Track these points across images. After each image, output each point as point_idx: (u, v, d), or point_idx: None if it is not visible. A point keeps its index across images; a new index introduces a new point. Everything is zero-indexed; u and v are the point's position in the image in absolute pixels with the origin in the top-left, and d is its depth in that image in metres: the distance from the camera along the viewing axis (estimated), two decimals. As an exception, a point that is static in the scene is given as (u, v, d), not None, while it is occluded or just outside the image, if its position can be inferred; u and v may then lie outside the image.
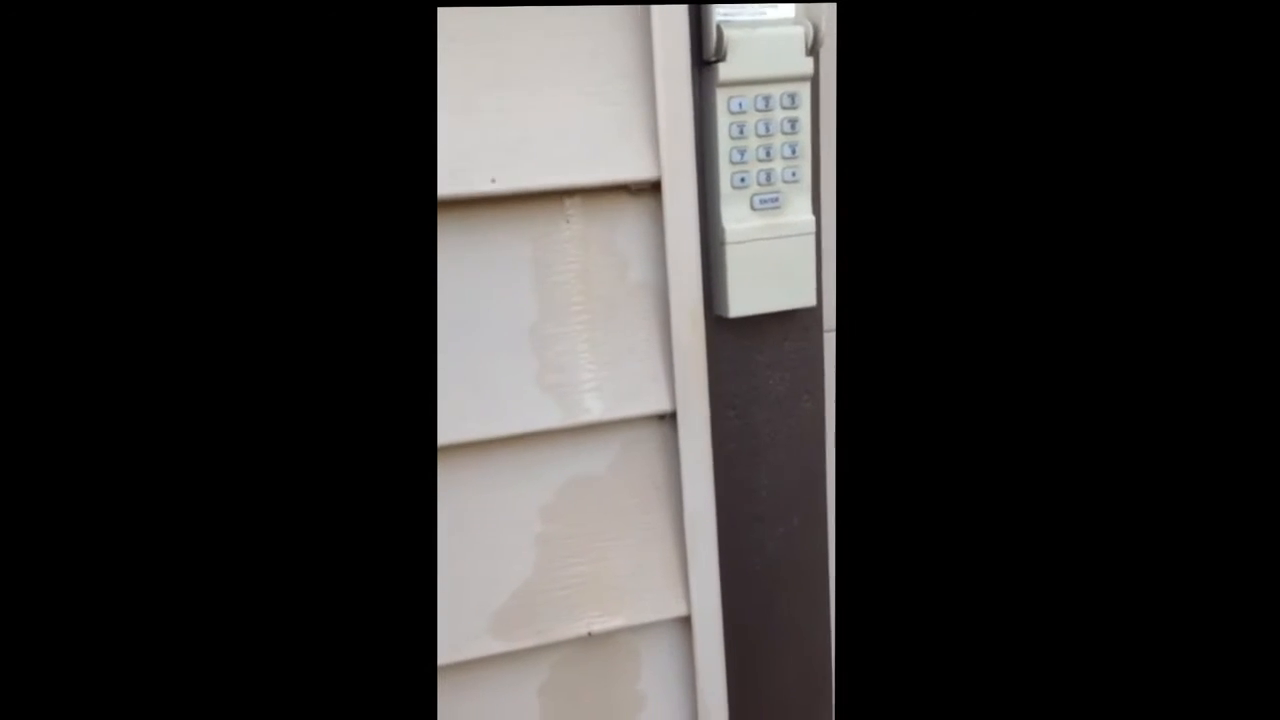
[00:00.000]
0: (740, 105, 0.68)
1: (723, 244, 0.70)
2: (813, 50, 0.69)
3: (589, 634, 0.73)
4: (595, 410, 0.69)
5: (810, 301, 0.75)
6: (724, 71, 0.66)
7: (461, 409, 0.66)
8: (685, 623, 0.76)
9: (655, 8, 0.63)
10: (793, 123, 0.70)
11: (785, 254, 0.72)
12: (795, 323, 0.78)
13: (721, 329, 0.75)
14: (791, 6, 0.68)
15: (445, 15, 0.61)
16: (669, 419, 0.73)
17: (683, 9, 0.64)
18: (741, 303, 0.72)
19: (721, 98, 0.68)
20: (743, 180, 0.70)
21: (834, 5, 0.69)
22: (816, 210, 0.74)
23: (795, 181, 0.72)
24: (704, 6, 0.66)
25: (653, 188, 0.67)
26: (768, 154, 0.70)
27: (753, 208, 0.71)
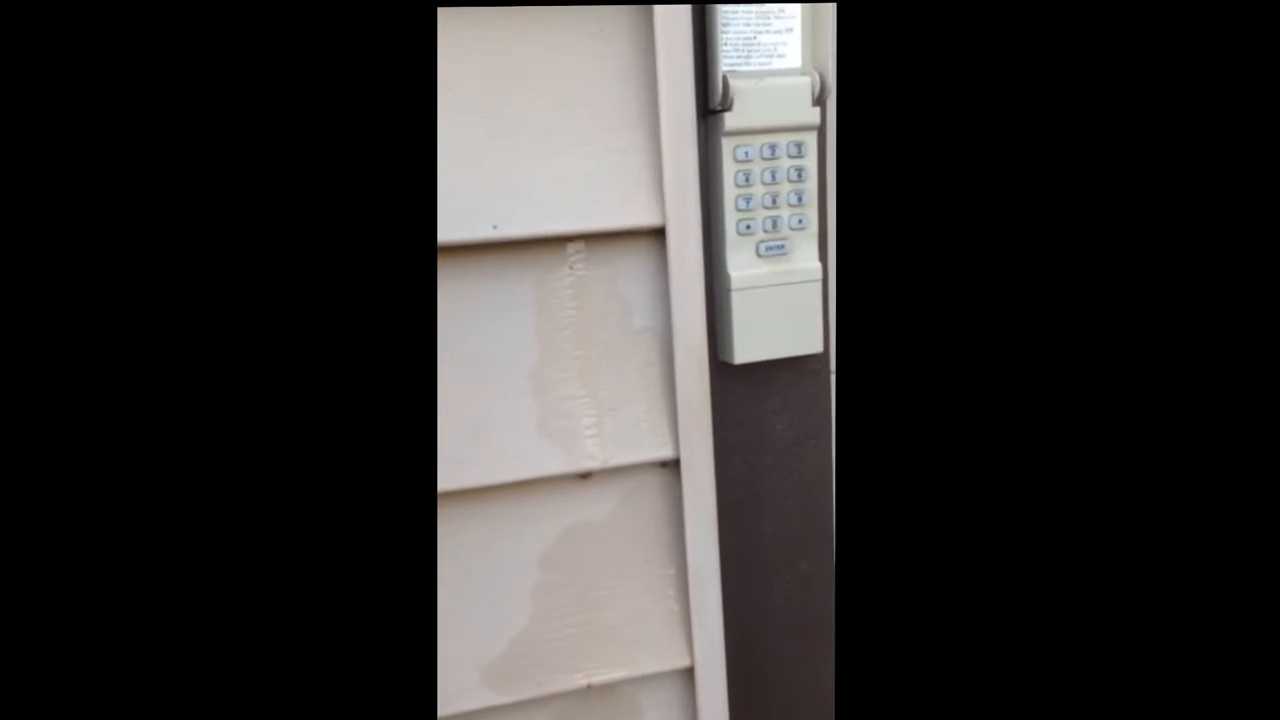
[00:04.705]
0: (746, 154, 0.68)
1: (728, 290, 0.70)
2: (819, 100, 0.69)
3: (588, 686, 0.71)
4: (597, 456, 0.69)
5: (817, 348, 0.74)
6: (730, 120, 0.67)
7: (461, 454, 0.66)
8: (689, 674, 0.75)
9: (661, 56, 0.63)
10: (799, 171, 0.70)
11: (792, 301, 0.72)
12: (803, 368, 0.77)
13: (727, 375, 0.74)
14: (797, 57, 0.68)
15: (443, 66, 0.62)
16: (672, 466, 0.72)
17: (688, 58, 0.64)
18: (746, 349, 0.71)
19: (727, 146, 0.68)
20: (748, 227, 0.70)
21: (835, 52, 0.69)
22: (824, 257, 0.73)
23: (802, 229, 0.71)
24: (710, 59, 0.66)
25: (658, 234, 0.67)
26: (774, 201, 0.70)
27: (759, 254, 0.71)
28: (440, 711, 0.68)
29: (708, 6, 0.66)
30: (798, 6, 0.68)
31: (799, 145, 0.69)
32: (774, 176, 0.69)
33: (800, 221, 0.71)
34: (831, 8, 0.67)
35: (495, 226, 0.62)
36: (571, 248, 0.66)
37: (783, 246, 0.71)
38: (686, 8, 0.63)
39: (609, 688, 0.73)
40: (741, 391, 0.76)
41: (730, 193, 0.69)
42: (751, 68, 0.68)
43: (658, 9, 0.62)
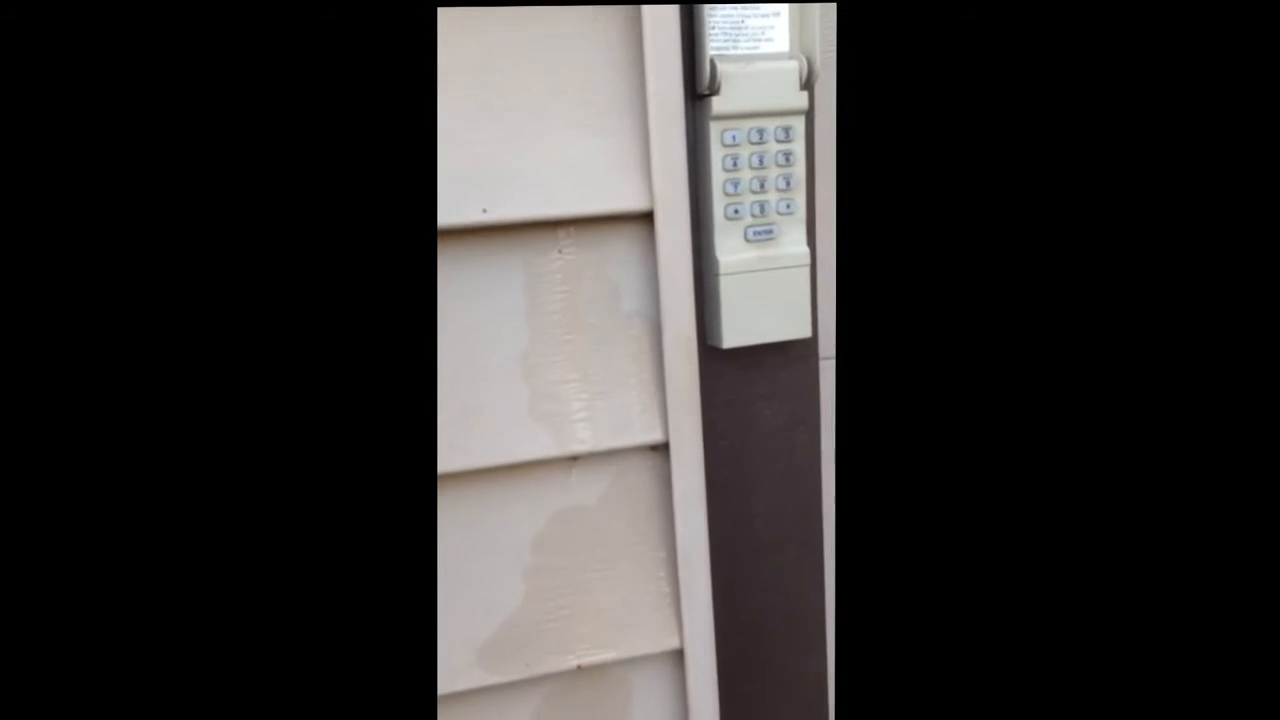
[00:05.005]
0: (734, 138, 0.68)
1: (716, 275, 0.70)
2: (807, 85, 0.69)
3: (578, 667, 0.72)
4: (587, 440, 0.69)
5: (805, 333, 0.74)
6: (717, 105, 0.67)
7: (452, 438, 0.66)
8: (678, 656, 0.76)
9: (648, 40, 0.64)
10: (787, 155, 0.70)
11: (779, 285, 0.72)
12: (790, 353, 0.78)
13: (715, 359, 0.75)
14: (785, 41, 0.69)
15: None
16: (661, 449, 0.72)
17: (676, 42, 0.65)
18: (735, 334, 0.72)
19: (715, 130, 0.68)
20: (736, 212, 0.70)
21: (833, 37, 0.70)
22: (811, 242, 0.74)
23: (790, 213, 0.72)
24: (697, 41, 0.67)
25: (646, 218, 0.68)
26: (761, 186, 0.70)
27: (746, 239, 0.71)
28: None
29: (695, -9, 0.66)
30: (785, -9, 0.68)
31: (787, 130, 0.70)
32: (762, 161, 0.70)
33: (788, 206, 0.71)
34: (819, -8, 0.68)
35: (485, 210, 0.63)
36: (561, 232, 0.67)
37: (770, 231, 0.71)
38: (674, -8, 0.63)
39: (599, 669, 0.74)
40: (730, 376, 0.77)
41: (718, 177, 0.69)
42: (739, 51, 0.68)
43: (645, -7, 0.63)
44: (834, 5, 0.69)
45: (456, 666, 0.69)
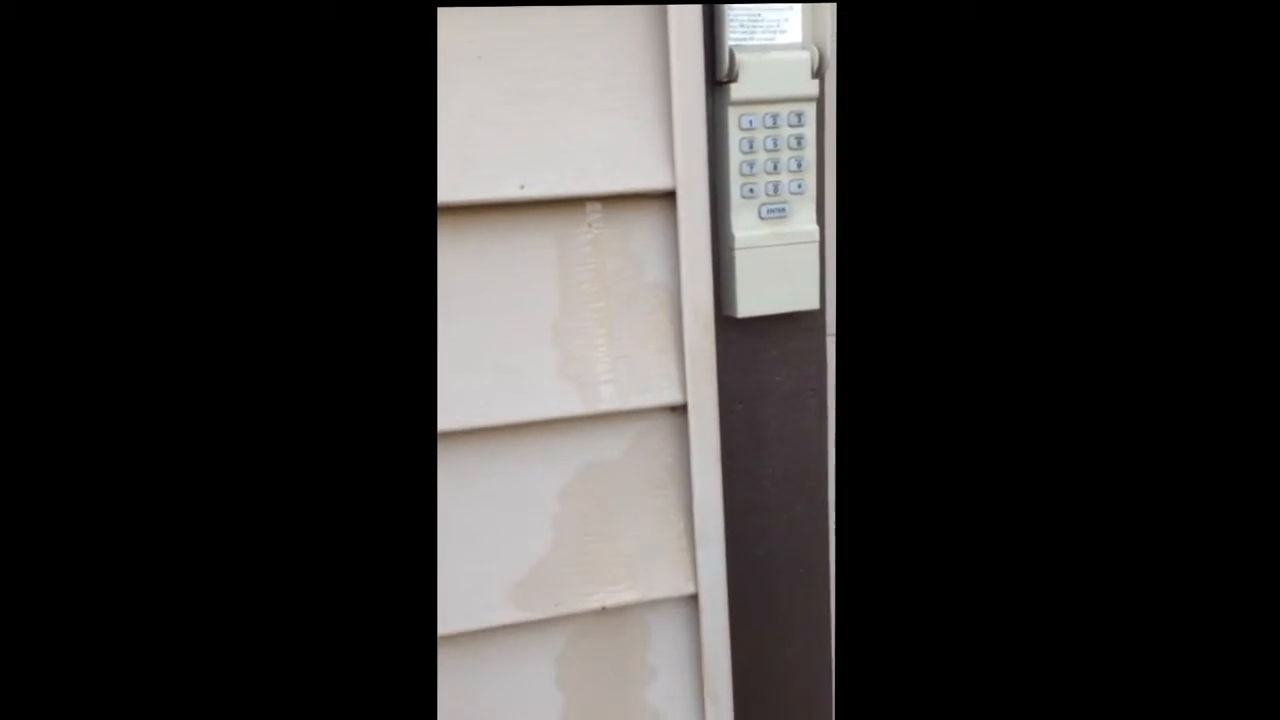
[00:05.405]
0: (750, 122, 0.74)
1: (732, 249, 0.76)
2: (818, 73, 0.75)
3: (602, 608, 0.79)
4: (611, 400, 0.75)
5: (814, 304, 0.80)
6: (735, 91, 0.72)
7: (488, 396, 0.73)
8: (693, 600, 0.82)
9: (673, 31, 0.69)
10: (798, 139, 0.76)
11: (790, 260, 0.78)
12: (800, 324, 0.84)
13: (731, 328, 0.81)
14: (798, 33, 0.74)
15: (475, 37, 0.68)
16: (680, 410, 0.78)
17: (698, 33, 0.70)
18: (749, 304, 0.78)
19: (733, 115, 0.74)
20: (751, 191, 0.76)
21: (835, 31, 0.75)
22: (820, 220, 0.79)
23: (800, 193, 0.77)
24: (718, 33, 0.72)
25: (668, 196, 0.74)
26: (775, 167, 0.76)
27: (760, 217, 0.77)
28: (471, 626, 0.75)
29: (716, -14, 0.71)
30: (799, -14, 0.73)
31: (799, 115, 0.75)
32: (775, 144, 0.75)
33: (799, 186, 0.77)
34: (830, -12, 0.73)
35: (522, 186, 0.69)
36: (590, 208, 0.73)
37: (783, 209, 0.77)
38: (697, -13, 0.69)
39: (621, 610, 0.80)
40: (744, 344, 0.82)
41: (735, 159, 0.75)
42: (756, 42, 0.73)
43: (671, -11, 0.68)
44: (844, -1, 0.74)
45: (491, 604, 0.76)
